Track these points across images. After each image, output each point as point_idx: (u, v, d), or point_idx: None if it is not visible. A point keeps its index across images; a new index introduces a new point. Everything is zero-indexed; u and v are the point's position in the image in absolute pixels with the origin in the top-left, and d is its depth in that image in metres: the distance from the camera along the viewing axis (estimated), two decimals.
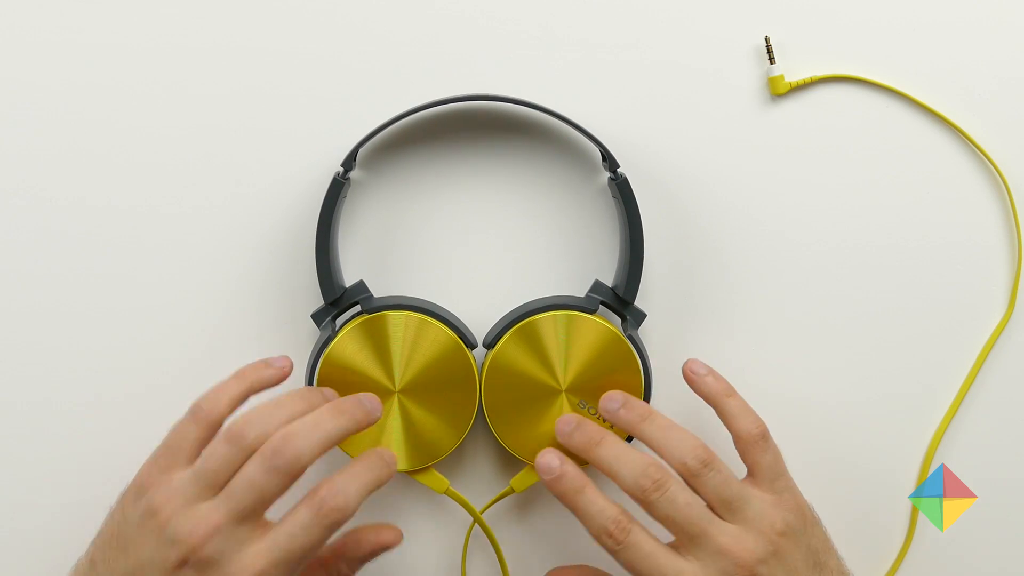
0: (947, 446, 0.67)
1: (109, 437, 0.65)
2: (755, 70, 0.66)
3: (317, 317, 0.63)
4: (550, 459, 0.58)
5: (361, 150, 0.64)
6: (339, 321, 0.63)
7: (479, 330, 0.64)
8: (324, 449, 0.54)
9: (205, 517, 0.53)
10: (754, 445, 0.59)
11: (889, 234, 0.67)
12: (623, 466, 0.57)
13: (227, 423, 0.57)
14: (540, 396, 0.62)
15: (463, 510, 0.65)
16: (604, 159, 0.64)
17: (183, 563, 0.52)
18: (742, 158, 0.66)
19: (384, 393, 0.61)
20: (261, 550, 0.53)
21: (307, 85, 0.65)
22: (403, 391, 0.61)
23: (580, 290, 0.66)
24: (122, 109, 0.65)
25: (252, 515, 0.53)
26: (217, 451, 0.54)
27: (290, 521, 0.53)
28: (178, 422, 0.57)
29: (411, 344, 0.61)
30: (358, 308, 0.63)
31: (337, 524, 0.53)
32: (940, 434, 0.67)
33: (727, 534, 0.56)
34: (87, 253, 0.65)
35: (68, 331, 0.65)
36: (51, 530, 0.65)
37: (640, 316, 0.64)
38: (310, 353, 0.62)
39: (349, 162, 0.62)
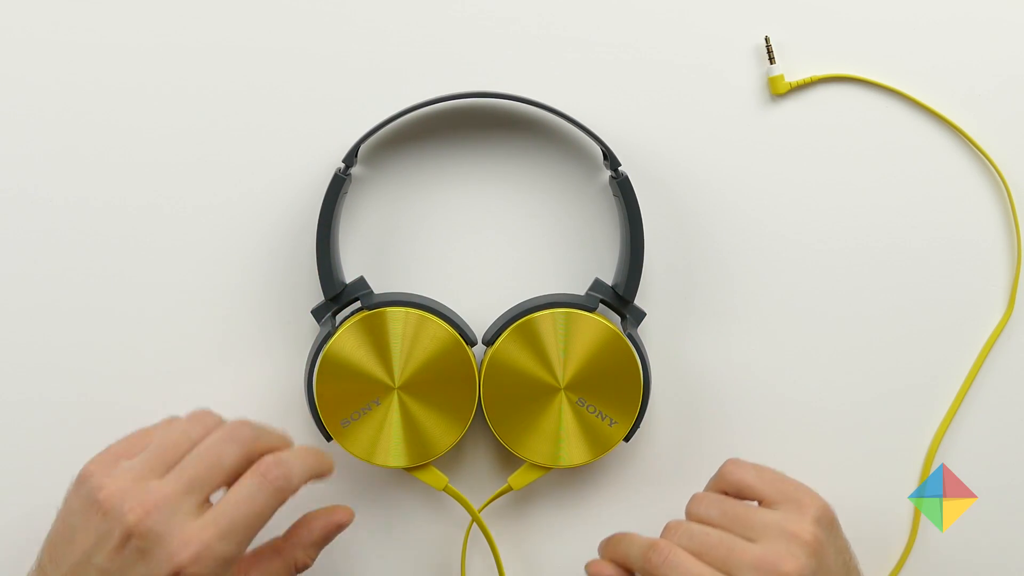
0: (947, 446, 0.67)
1: (107, 434, 0.65)
2: (755, 70, 0.66)
3: (317, 313, 0.63)
4: (599, 568, 0.59)
5: (363, 146, 0.64)
6: (339, 317, 0.63)
7: (479, 327, 0.64)
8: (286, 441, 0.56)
9: (153, 490, 0.51)
10: (741, 480, 0.58)
11: (889, 234, 0.66)
12: (637, 539, 0.58)
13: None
14: (539, 394, 0.62)
15: (462, 506, 0.65)
16: (605, 158, 0.64)
17: (127, 538, 0.50)
18: (742, 158, 0.66)
19: (383, 389, 0.61)
20: (207, 522, 0.51)
21: (309, 82, 0.66)
22: (402, 388, 0.61)
23: (580, 288, 0.66)
24: (123, 106, 0.65)
25: (202, 487, 0.52)
26: (170, 436, 0.54)
27: (235, 491, 0.52)
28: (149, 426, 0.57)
29: (411, 341, 0.61)
30: (358, 304, 0.63)
31: (281, 493, 0.53)
32: (940, 434, 0.66)
33: (756, 549, 0.54)
34: (86, 251, 0.65)
35: (68, 329, 0.65)
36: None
37: (640, 315, 0.64)
38: (310, 349, 0.62)
39: (351, 158, 0.62)
